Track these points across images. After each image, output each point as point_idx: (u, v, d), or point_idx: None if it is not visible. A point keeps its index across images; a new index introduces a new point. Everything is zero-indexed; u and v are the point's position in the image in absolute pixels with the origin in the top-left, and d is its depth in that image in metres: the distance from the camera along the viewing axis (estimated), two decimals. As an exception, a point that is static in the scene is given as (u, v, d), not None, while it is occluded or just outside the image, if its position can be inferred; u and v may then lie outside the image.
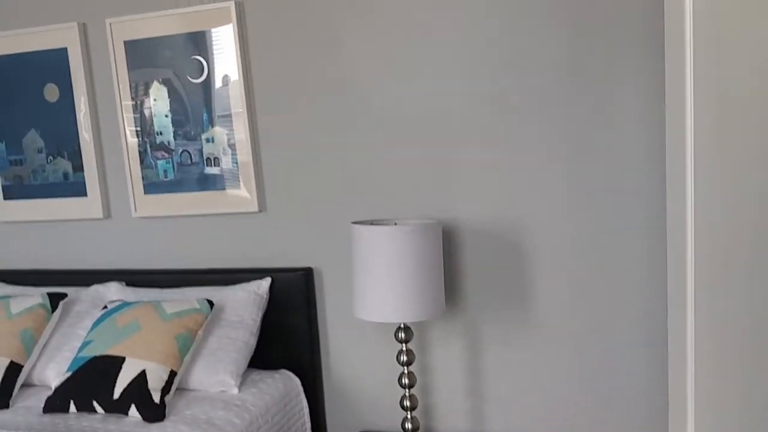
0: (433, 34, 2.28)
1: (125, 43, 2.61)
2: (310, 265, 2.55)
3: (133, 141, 2.67)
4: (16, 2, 2.77)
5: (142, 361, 2.16)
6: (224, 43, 2.49)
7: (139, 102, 2.64)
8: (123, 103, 2.65)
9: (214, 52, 2.51)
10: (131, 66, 2.61)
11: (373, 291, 2.06)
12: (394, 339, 2.37)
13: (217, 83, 2.52)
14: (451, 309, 2.40)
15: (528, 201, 2.26)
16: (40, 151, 2.82)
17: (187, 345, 2.26)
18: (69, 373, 2.22)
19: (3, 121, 2.85)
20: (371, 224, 2.12)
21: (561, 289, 2.27)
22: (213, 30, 2.49)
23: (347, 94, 2.41)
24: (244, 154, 2.53)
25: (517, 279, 2.31)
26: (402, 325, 2.19)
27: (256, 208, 2.55)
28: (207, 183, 2.60)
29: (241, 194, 2.56)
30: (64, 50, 2.70)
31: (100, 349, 2.23)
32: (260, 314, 2.46)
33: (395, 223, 2.22)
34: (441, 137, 2.32)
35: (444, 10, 2.26)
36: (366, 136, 2.41)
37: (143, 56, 2.59)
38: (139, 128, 2.65)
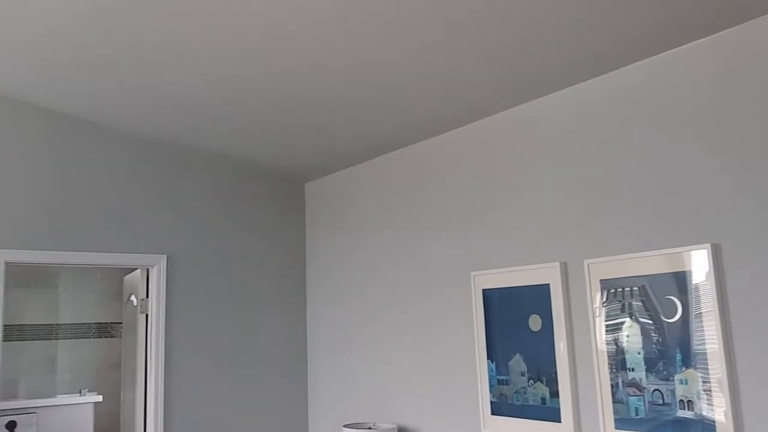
0: None
1: (601, 281, 2.79)
2: None
3: (605, 374, 2.75)
4: (496, 245, 3.26)
5: None
6: (700, 283, 2.45)
7: (612, 338, 2.74)
8: (597, 338, 2.79)
9: (692, 291, 2.48)
10: (605, 302, 2.76)
11: None
12: None
13: (693, 323, 2.47)
14: None
15: None
16: (522, 374, 3.12)
17: None
18: None
19: (494, 344, 3.27)
20: None
21: None
22: (691, 270, 2.49)
23: None
24: (719, 399, 2.35)
25: None
26: None
27: (736, 464, 2.30)
28: (680, 427, 2.48)
29: (719, 445, 2.36)
30: (547, 286, 3.03)
31: None
32: None
33: None
34: None
35: None
36: None
37: (618, 294, 2.72)
38: (612, 362, 2.73)
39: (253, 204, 4.69)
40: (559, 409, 2.94)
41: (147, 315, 4.30)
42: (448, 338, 3.62)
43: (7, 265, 3.75)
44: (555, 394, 2.97)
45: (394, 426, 3.77)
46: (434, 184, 3.78)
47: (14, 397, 5.94)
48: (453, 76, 3.03)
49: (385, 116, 3.58)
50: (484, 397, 3.31)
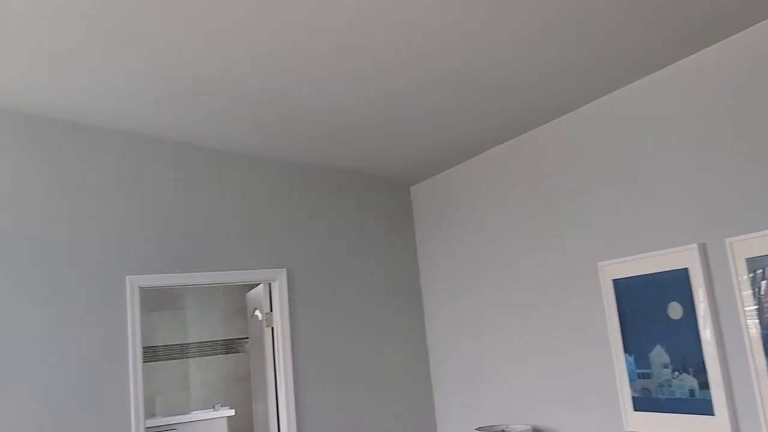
0: None
1: (747, 260, 2.58)
2: None
3: (761, 360, 2.54)
4: (623, 231, 3.08)
5: None
6: None
7: (765, 321, 2.52)
8: (748, 322, 2.58)
9: None
10: (754, 283, 2.55)
11: None
12: None
13: None
14: None
15: None
16: (665, 366, 2.94)
17: None
18: None
19: (630, 336, 3.10)
20: None
21: None
22: None
23: None
24: None
25: None
26: None
27: None
28: None
29: None
30: (685, 270, 2.83)
31: None
32: None
33: None
34: None
35: None
36: None
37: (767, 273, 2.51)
38: (765, 349, 2.52)
39: (361, 212, 4.72)
40: (710, 401, 2.74)
41: (272, 328, 4.41)
42: (577, 333, 3.47)
43: (141, 290, 3.94)
44: (704, 385, 2.77)
45: (529, 427, 3.66)
46: (551, 172, 3.65)
47: (152, 415, 6.26)
48: (567, 54, 2.91)
49: (493, 106, 3.49)
50: (624, 392, 3.15)
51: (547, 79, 3.12)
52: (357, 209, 4.71)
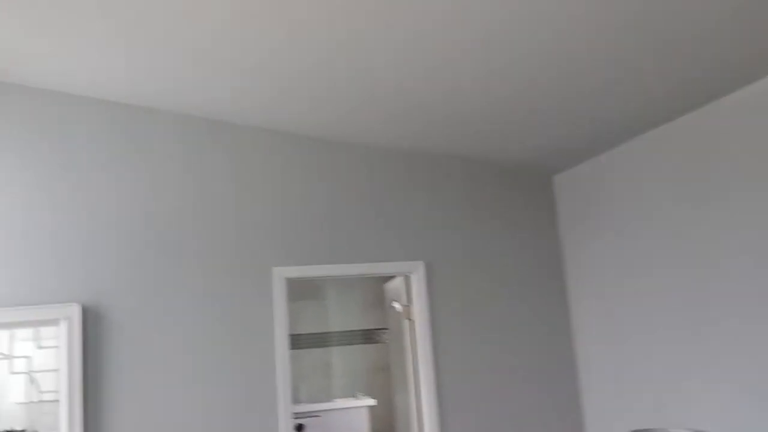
0: None
1: None
2: None
3: None
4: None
5: None
6: None
7: None
8: None
9: None
10: None
11: None
12: None
13: None
14: None
15: None
16: None
17: None
18: None
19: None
20: None
21: None
22: None
23: None
24: None
25: None
26: None
27: None
28: None
29: None
30: None
31: None
32: None
33: None
34: None
35: None
36: None
37: None
38: None
39: (500, 203, 4.61)
40: None
41: (411, 320, 4.41)
42: (747, 326, 3.18)
43: (288, 281, 4.09)
44: None
45: None
46: (722, 153, 3.37)
47: (298, 402, 6.50)
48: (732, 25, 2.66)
49: (653, 84, 3.27)
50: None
51: (706, 55, 2.87)
52: (495, 200, 4.60)
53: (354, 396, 6.68)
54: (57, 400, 3.47)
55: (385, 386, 6.72)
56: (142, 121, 3.96)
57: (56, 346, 3.54)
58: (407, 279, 4.46)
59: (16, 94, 3.77)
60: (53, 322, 3.53)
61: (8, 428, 3.48)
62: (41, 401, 3.45)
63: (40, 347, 3.50)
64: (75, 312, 3.58)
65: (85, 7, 2.77)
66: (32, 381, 3.45)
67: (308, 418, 6.20)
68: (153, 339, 3.79)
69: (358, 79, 3.34)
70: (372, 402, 6.45)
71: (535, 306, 4.56)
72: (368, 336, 7.03)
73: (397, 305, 4.72)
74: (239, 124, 4.11)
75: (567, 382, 4.51)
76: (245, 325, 3.97)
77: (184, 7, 2.73)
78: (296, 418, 6.01)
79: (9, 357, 3.49)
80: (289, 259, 4.10)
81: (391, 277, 5.22)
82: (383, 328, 6.91)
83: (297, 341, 6.73)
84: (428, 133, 4.08)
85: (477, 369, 4.34)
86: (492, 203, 4.59)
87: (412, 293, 4.39)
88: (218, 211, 4.03)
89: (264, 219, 4.10)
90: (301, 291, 6.82)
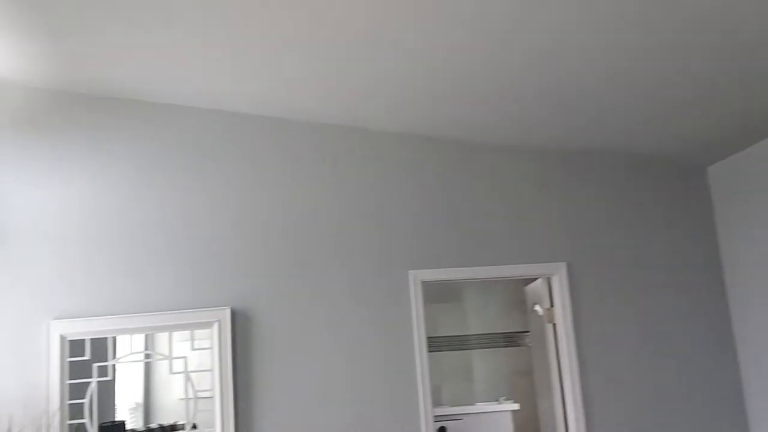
0: None
1: None
2: None
3: None
4: None
5: None
6: None
7: None
8: None
9: None
10: None
11: None
12: None
13: None
14: None
15: None
16: None
17: None
18: None
19: None
20: None
21: None
22: None
23: None
24: None
25: None
26: None
27: None
28: None
29: None
30: None
31: None
32: None
33: None
34: None
35: None
36: None
37: None
38: None
39: (645, 199, 4.33)
40: None
41: (554, 324, 4.25)
42: None
43: (423, 284, 4.07)
44: None
45: None
46: None
47: (439, 404, 6.47)
48: None
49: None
50: None
51: None
52: (642, 197, 4.33)
53: (497, 400, 6.55)
54: (211, 397, 3.67)
55: (529, 390, 6.53)
56: (283, 131, 4.11)
57: (209, 347, 3.76)
58: (548, 281, 4.30)
59: (165, 113, 4.01)
60: (207, 324, 3.75)
61: (173, 422, 3.74)
62: (197, 398, 3.66)
63: (194, 348, 3.71)
64: (226, 315, 3.78)
65: (247, 31, 2.92)
66: (188, 379, 3.66)
67: (450, 422, 6.16)
68: (296, 340, 3.91)
69: (496, 80, 3.26)
70: (515, 406, 6.29)
71: (691, 309, 4.23)
72: (510, 339, 6.87)
73: (538, 308, 4.57)
74: (373, 130, 4.15)
75: (731, 394, 4.15)
76: (384, 327, 4.00)
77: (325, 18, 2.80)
78: (438, 420, 5.99)
79: (168, 358, 3.73)
80: (426, 262, 4.08)
81: (532, 279, 5.06)
82: (525, 331, 6.72)
83: (436, 344, 6.71)
84: (565, 129, 3.92)
85: (626, 375, 4.10)
86: (638, 199, 4.32)
87: (553, 296, 4.23)
88: (355, 216, 4.09)
89: (401, 224, 4.12)
90: (439, 293, 6.80)
